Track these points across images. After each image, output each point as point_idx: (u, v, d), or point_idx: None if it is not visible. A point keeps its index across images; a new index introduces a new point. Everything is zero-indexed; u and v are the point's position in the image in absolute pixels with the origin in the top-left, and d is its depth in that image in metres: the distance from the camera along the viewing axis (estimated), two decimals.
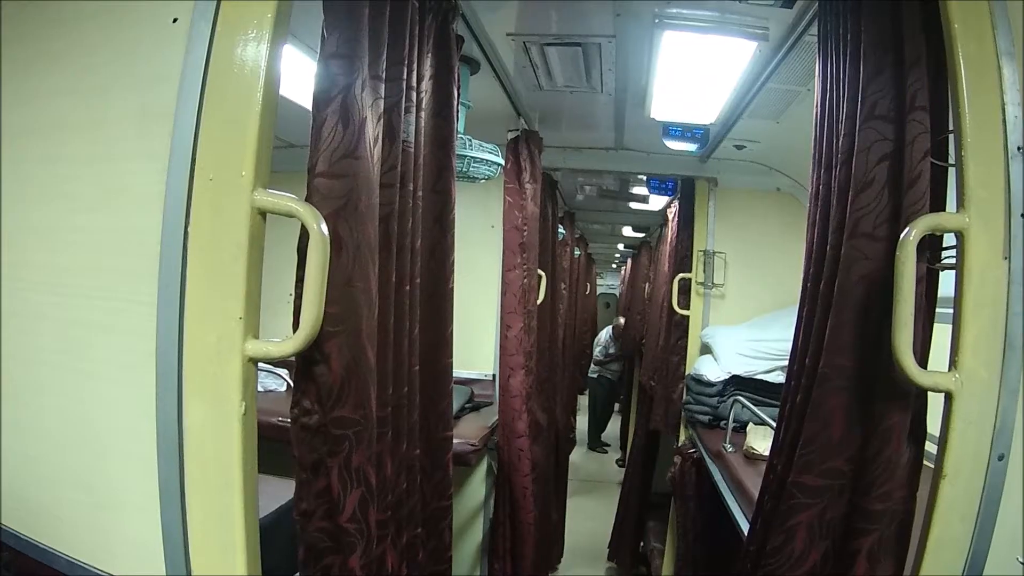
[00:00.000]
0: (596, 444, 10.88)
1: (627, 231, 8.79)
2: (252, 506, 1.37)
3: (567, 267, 6.61)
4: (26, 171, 1.64)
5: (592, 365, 10.52)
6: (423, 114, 1.92)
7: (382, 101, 1.61)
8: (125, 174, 1.48)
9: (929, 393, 1.52)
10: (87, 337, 1.55)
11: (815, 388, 1.67)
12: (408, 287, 1.82)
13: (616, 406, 11.52)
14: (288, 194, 1.34)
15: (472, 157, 2.94)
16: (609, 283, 18.71)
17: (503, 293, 3.60)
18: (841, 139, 1.70)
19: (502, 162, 3.09)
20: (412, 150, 1.79)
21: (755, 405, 3.49)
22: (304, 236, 1.37)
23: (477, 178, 3.04)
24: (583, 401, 11.29)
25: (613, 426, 11.27)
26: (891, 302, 1.44)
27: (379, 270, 1.62)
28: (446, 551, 2.33)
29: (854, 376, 1.62)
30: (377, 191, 1.58)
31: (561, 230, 5.52)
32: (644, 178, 5.05)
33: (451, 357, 2.25)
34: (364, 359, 1.54)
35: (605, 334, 10.43)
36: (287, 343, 1.36)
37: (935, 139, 1.52)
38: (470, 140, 2.95)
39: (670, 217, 5.27)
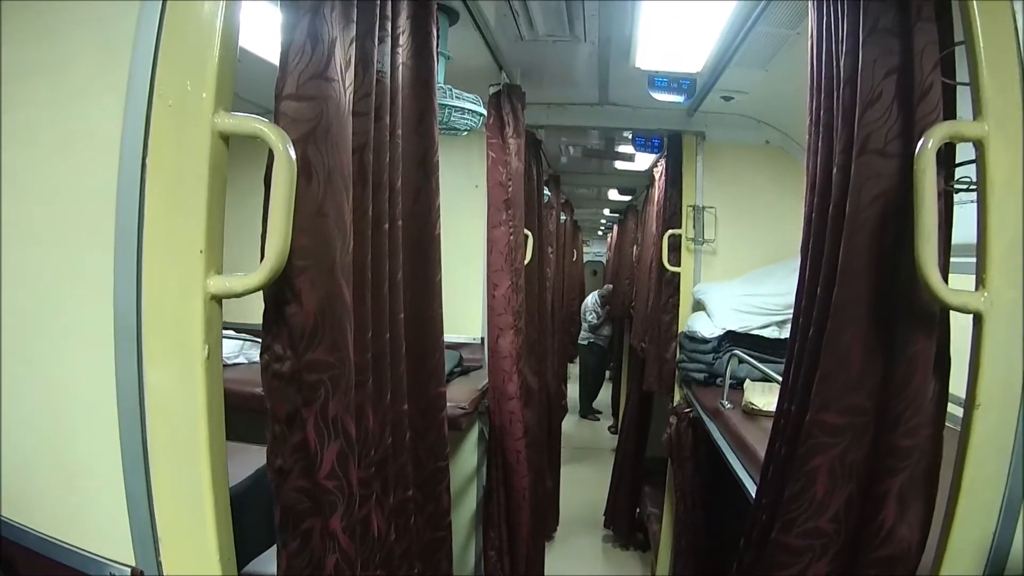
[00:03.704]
0: (588, 412, 10.90)
1: (613, 194, 8.70)
2: (220, 458, 1.27)
3: (553, 231, 6.53)
4: None
5: (582, 332, 10.45)
6: (400, 51, 1.81)
7: (354, 25, 1.49)
8: (88, 114, 1.36)
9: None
10: (52, 294, 1.43)
11: (830, 319, 1.56)
12: (388, 226, 1.71)
13: (607, 373, 11.48)
14: (252, 115, 1.24)
15: (453, 107, 2.83)
16: (596, 251, 18.78)
17: (489, 251, 3.50)
18: (843, 58, 1.60)
19: (484, 112, 2.99)
20: (387, 82, 1.67)
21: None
22: (271, 165, 1.26)
23: (459, 129, 2.93)
24: (573, 370, 11.28)
25: (604, 394, 11.25)
26: (907, 222, 1.34)
27: (353, 204, 1.50)
28: (445, 516, 2.24)
29: (872, 303, 1.51)
30: (350, 119, 1.46)
31: (547, 192, 5.43)
32: (629, 136, 4.93)
33: (441, 307, 2.15)
34: (339, 296, 1.42)
35: (591, 300, 10.35)
36: (252, 276, 1.24)
37: (944, 51, 1.42)
38: (451, 89, 2.84)
39: (656, 176, 5.19)
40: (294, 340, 1.36)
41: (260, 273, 1.24)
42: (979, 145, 1.32)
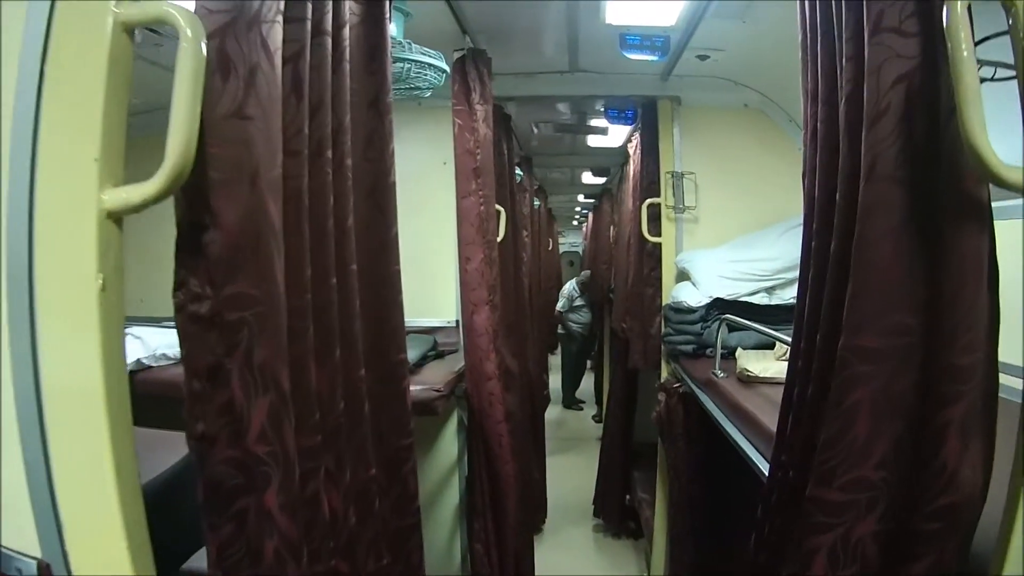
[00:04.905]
0: (571, 402, 10.84)
1: (587, 177, 8.58)
2: (122, 423, 1.05)
3: (527, 214, 6.38)
4: None
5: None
6: None
7: None
8: None
9: None
10: None
11: (858, 224, 1.31)
12: (332, 155, 1.49)
13: (588, 363, 11.43)
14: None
15: (413, 61, 2.63)
16: (572, 241, 18.94)
17: (459, 224, 3.34)
18: None
19: (446, 68, 2.82)
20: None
21: (741, 330, 3.34)
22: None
23: (421, 88, 2.74)
24: (554, 361, 11.26)
25: (587, 383, 11.22)
26: (939, 106, 1.17)
27: (287, 117, 1.29)
28: (412, 501, 2.02)
29: (907, 201, 1.27)
30: (280, 20, 1.24)
31: (518, 171, 5.28)
32: (602, 108, 4.80)
33: (398, 264, 1.93)
34: (264, 216, 1.20)
35: (569, 286, 10.32)
36: (150, 183, 1.03)
37: None
38: (411, 44, 2.65)
39: (631, 152, 5.08)
40: (212, 273, 1.15)
41: (160, 178, 1.03)
42: (1009, 8, 1.12)
